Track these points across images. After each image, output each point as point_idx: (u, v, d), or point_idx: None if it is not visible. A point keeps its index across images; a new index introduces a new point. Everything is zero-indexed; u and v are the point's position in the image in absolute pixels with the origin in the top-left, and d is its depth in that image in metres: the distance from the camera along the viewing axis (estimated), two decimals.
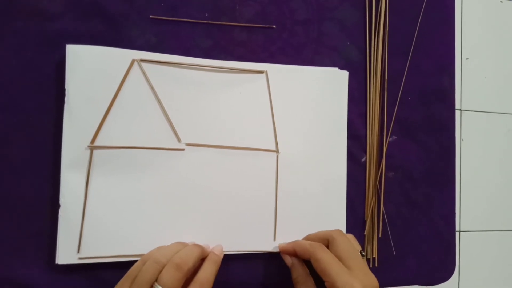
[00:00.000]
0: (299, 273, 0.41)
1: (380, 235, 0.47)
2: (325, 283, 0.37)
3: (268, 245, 0.43)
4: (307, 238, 0.43)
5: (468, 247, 1.31)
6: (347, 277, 0.36)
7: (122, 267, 0.39)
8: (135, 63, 0.40)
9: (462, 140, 1.31)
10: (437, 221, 0.49)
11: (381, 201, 0.47)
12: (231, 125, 0.43)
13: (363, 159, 0.47)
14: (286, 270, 0.44)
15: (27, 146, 0.39)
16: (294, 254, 0.41)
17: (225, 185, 0.42)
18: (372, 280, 0.37)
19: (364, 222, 0.47)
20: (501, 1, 1.38)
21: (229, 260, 0.42)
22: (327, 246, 0.40)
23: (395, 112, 0.48)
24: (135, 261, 0.38)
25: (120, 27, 0.41)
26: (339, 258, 0.38)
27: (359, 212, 0.47)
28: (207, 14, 0.43)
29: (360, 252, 0.40)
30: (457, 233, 1.30)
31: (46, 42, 0.40)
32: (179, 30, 0.43)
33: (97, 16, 0.41)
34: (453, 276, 0.50)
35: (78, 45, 0.39)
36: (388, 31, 0.48)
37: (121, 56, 0.40)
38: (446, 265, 0.50)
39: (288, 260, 0.42)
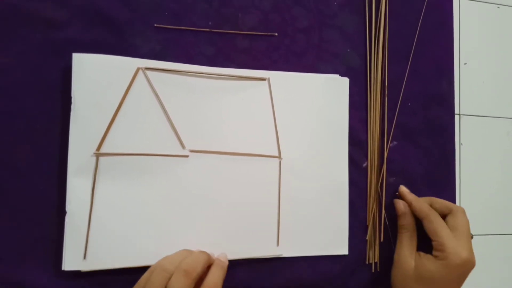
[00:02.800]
0: (407, 221, 0.45)
1: (381, 240, 0.47)
2: (433, 243, 0.41)
3: (272, 250, 0.44)
4: (430, 199, 0.46)
5: None
6: (456, 242, 0.41)
7: (128, 273, 0.39)
8: (140, 71, 0.41)
9: (461, 144, 1.32)
10: None
11: (382, 206, 0.47)
12: (234, 131, 0.43)
13: (364, 164, 0.48)
14: (289, 275, 0.44)
15: (34, 153, 0.39)
16: (409, 204, 0.45)
17: (228, 190, 0.43)
18: (473, 259, 0.41)
19: (366, 226, 0.47)
20: (498, 7, 1.40)
21: (234, 265, 0.43)
22: (445, 217, 0.44)
23: (395, 118, 0.49)
24: (140, 267, 0.39)
25: (125, 35, 0.42)
26: (454, 229, 0.42)
27: (361, 217, 0.47)
28: (210, 23, 0.44)
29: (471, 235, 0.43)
30: None
31: (52, 51, 0.40)
32: (182, 38, 0.43)
33: (102, 25, 0.41)
34: None
35: (84, 54, 0.39)
36: (387, 37, 0.49)
37: (126, 64, 0.40)
38: None
39: (401, 207, 0.45)
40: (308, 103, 0.46)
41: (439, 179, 0.50)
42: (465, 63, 1.34)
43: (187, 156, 0.42)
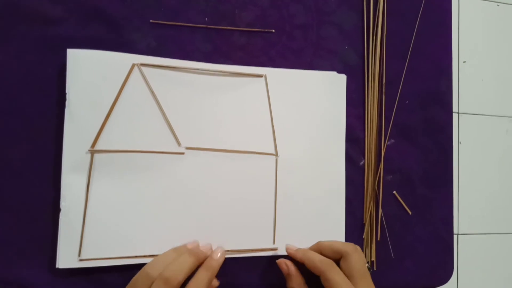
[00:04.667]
0: (296, 282, 0.41)
1: (378, 238, 0.47)
2: None
3: (267, 247, 0.43)
4: (319, 245, 0.42)
5: (466, 250, 1.31)
6: None
7: (122, 270, 0.39)
8: (136, 67, 0.40)
9: (460, 143, 1.32)
10: (435, 224, 0.49)
11: (379, 204, 0.47)
12: (231, 128, 0.43)
13: (361, 162, 0.47)
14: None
15: (28, 150, 0.39)
16: (300, 262, 0.41)
17: (224, 188, 0.43)
18: None
19: (363, 225, 0.47)
20: (498, 5, 1.39)
21: (229, 263, 0.42)
22: (339, 259, 0.40)
23: (393, 115, 0.48)
24: (135, 264, 0.39)
25: (121, 31, 0.42)
26: (350, 275, 0.38)
27: (357, 215, 0.47)
28: (206, 19, 0.44)
29: (367, 267, 0.40)
30: (455, 236, 1.30)
31: (47, 47, 0.40)
32: (179, 35, 0.43)
33: (98, 20, 0.41)
34: (452, 279, 0.50)
35: (79, 50, 0.39)
36: (385, 35, 0.49)
37: (121, 60, 0.40)
38: (444, 267, 0.50)
39: (285, 268, 0.41)
40: (305, 100, 0.45)
41: (437, 177, 0.50)
42: (464, 61, 1.34)
43: (182, 153, 0.41)
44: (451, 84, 0.51)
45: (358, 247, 0.42)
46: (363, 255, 0.41)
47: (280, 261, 0.42)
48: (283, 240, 0.44)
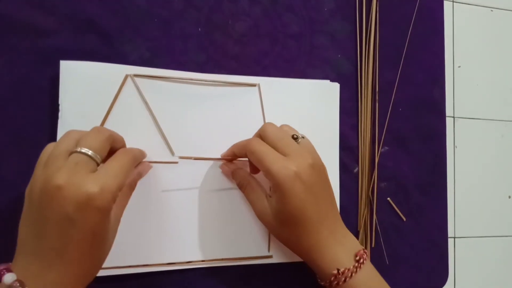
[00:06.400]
0: (240, 176, 0.41)
1: (373, 245, 0.47)
2: (263, 174, 0.37)
3: (262, 255, 0.43)
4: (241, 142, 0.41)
5: (463, 254, 1.31)
6: (281, 162, 0.35)
7: (118, 280, 0.39)
8: (129, 78, 0.41)
9: (456, 147, 1.33)
10: (429, 230, 0.50)
11: (373, 211, 0.47)
12: (225, 138, 0.43)
13: (355, 170, 0.48)
14: (280, 281, 0.44)
15: (21, 162, 0.39)
16: (234, 157, 0.41)
17: (218, 197, 0.43)
18: (307, 159, 0.37)
19: (357, 232, 0.47)
20: (492, 10, 1.40)
21: (224, 272, 0.42)
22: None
23: (386, 123, 0.49)
24: (130, 274, 0.39)
25: (114, 42, 0.42)
26: (274, 147, 0.37)
27: (352, 222, 0.47)
28: (200, 29, 0.44)
29: (292, 136, 0.39)
30: (452, 240, 1.30)
31: (40, 58, 0.40)
32: (172, 45, 0.43)
33: (91, 32, 0.41)
34: (449, 283, 0.50)
35: (72, 61, 0.39)
36: (378, 43, 0.49)
37: (114, 71, 0.40)
38: (439, 273, 0.50)
39: (226, 170, 0.42)
40: (298, 108, 0.46)
41: (431, 184, 0.50)
42: (459, 66, 1.35)
43: (176, 162, 0.42)
44: (444, 91, 0.51)
45: (283, 125, 0.41)
46: (287, 127, 0.40)
47: (223, 168, 0.43)
48: (278, 248, 0.44)
